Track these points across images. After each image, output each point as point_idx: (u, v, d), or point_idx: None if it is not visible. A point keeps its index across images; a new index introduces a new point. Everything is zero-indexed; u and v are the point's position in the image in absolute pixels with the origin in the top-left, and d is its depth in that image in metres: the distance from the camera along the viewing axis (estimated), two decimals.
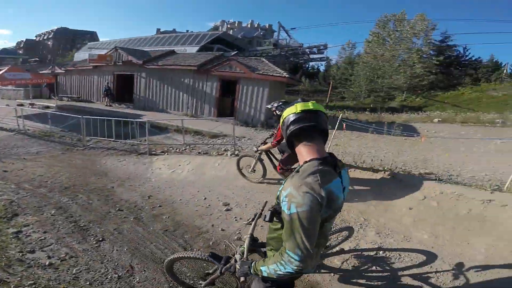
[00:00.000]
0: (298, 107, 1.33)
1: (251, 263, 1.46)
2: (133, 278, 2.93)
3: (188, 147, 8.25)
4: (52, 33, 62.72)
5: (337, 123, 6.32)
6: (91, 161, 7.12)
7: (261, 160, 5.23)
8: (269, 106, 4.69)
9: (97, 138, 8.75)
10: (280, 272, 1.25)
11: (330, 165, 1.28)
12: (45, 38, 64.34)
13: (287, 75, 11.35)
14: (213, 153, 7.61)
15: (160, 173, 6.32)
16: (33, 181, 5.63)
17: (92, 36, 62.77)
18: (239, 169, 5.59)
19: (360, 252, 3.34)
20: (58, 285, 2.83)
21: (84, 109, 13.14)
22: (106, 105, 15.97)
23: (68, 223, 4.03)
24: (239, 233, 3.81)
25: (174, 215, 4.37)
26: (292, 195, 1.16)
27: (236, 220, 4.18)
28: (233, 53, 16.34)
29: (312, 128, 1.31)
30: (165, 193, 5.24)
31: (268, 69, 11.69)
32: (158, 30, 40.00)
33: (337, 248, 3.28)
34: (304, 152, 1.33)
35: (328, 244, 2.95)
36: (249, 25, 40.34)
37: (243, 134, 9.84)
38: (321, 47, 31.58)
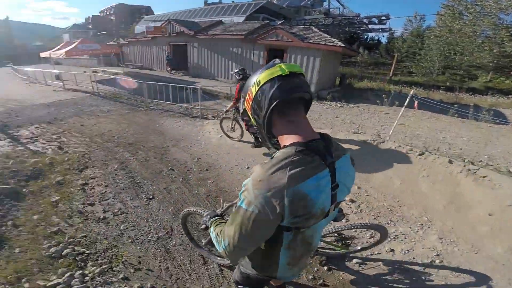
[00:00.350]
0: (284, 67, 0.97)
1: (213, 218, 1.36)
2: (170, 241, 3.17)
3: None
4: (112, 8, 68.04)
5: (407, 100, 5.37)
6: (152, 121, 7.95)
7: (236, 120, 6.07)
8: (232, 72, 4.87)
9: (157, 100, 9.71)
10: (214, 242, 1.14)
11: (316, 152, 0.94)
12: (107, 13, 70.10)
13: (342, 45, 10.57)
14: None
15: (210, 137, 6.70)
16: (103, 135, 6.60)
17: (147, 10, 66.80)
18: (223, 130, 6.49)
19: (411, 258, 2.88)
20: (105, 239, 3.17)
21: (146, 75, 14.41)
22: (170, 73, 17.04)
23: (127, 178, 4.54)
24: None
25: (218, 181, 4.57)
26: (247, 189, 0.94)
27: None
28: (279, 22, 15.75)
29: (300, 97, 1.01)
30: (212, 157, 5.56)
31: (320, 38, 11.07)
32: (205, 1, 40.58)
33: (368, 253, 2.88)
34: (286, 132, 1.01)
35: (349, 246, 2.69)
36: None
37: None
38: (383, 18, 28.20)
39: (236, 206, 0.99)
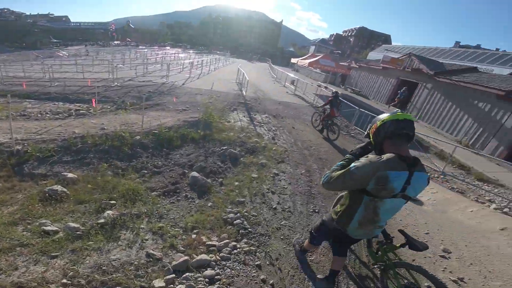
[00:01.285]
0: (400, 114, 1.81)
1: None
2: (311, 255, 3.18)
3: (443, 176, 7.03)
4: (355, 31, 72.87)
5: None
6: (346, 146, 8.18)
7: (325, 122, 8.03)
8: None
9: (360, 130, 9.80)
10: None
11: (404, 161, 1.72)
12: (348, 34, 76.31)
13: None
14: (470, 196, 5.99)
15: None
16: (304, 142, 7.54)
17: (386, 38, 66.12)
18: (311, 121, 8.62)
19: None
20: (266, 226, 3.57)
21: (360, 103, 14.81)
22: (389, 107, 15.86)
23: (306, 185, 4.97)
24: None
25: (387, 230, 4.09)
26: (361, 161, 1.79)
27: (443, 270, 3.25)
28: None
29: (405, 134, 1.80)
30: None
31: None
32: (457, 43, 33.91)
33: None
34: (391, 149, 1.79)
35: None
36: None
37: None
38: None
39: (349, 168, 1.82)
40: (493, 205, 5.49)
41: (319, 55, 22.09)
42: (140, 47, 49.39)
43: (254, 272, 2.89)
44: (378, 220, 1.99)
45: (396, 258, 2.59)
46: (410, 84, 15.64)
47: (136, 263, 2.73)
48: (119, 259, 2.75)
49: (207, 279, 2.68)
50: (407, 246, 2.25)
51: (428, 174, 2.02)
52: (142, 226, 3.32)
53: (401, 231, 2.46)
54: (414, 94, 14.91)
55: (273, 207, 4.15)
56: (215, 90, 12.37)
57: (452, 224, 4.65)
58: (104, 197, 3.79)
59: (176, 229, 3.37)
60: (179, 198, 4.09)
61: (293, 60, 24.51)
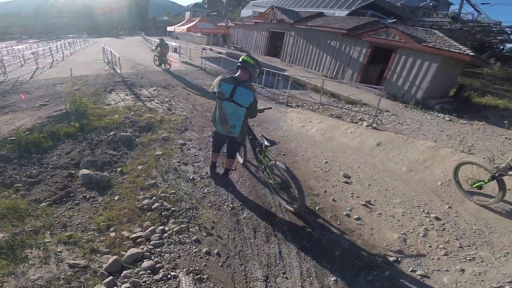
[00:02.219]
0: (242, 57, 3.16)
1: None
2: (242, 213, 3.39)
3: (322, 106, 8.38)
4: None
5: None
6: None
7: None
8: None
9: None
10: None
11: (234, 79, 3.11)
12: None
13: (471, 53, 8.75)
14: (346, 119, 7.43)
15: (291, 125, 6.81)
16: (203, 105, 7.43)
17: None
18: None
19: (479, 280, 2.74)
20: (190, 199, 3.52)
21: None
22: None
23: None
24: (350, 210, 3.64)
25: (293, 168, 4.41)
26: (214, 81, 3.25)
27: (352, 196, 3.98)
28: (390, 21, 14.06)
29: (240, 66, 3.15)
30: (291, 144, 5.64)
31: (442, 43, 9.44)
32: None
33: (436, 268, 2.83)
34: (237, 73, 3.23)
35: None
36: None
37: (387, 107, 8.89)
38: None
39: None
40: (365, 123, 6.90)
41: (195, 19, 20.98)
42: None
43: (195, 248, 2.82)
44: (227, 120, 3.24)
45: (270, 160, 3.51)
46: (278, 34, 17.13)
47: (63, 276, 2.36)
48: (42, 278, 2.34)
49: (148, 271, 2.49)
50: (266, 145, 3.35)
51: (255, 93, 3.09)
52: (47, 240, 2.76)
53: (262, 136, 3.58)
54: (284, 43, 16.51)
55: (191, 178, 4.01)
56: (80, 75, 10.20)
57: (342, 148, 5.60)
58: None
59: (89, 232, 2.92)
60: (76, 201, 3.43)
61: (170, 28, 22.47)
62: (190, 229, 3.06)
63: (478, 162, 4.07)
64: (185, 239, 2.92)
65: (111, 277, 2.40)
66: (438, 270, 2.80)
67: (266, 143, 3.33)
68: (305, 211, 3.52)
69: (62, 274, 2.41)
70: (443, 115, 8.61)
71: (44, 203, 3.34)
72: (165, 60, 12.41)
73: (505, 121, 7.64)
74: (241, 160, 4.52)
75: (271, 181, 3.55)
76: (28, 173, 3.94)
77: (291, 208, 3.45)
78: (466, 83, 17.73)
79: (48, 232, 2.90)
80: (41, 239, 2.77)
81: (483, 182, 3.83)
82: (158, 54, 12.76)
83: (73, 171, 4.00)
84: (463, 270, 2.79)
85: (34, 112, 6.09)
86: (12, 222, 2.97)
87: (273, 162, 3.42)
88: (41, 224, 2.97)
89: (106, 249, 2.73)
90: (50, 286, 2.30)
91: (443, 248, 3.08)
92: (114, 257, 2.57)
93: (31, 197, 3.46)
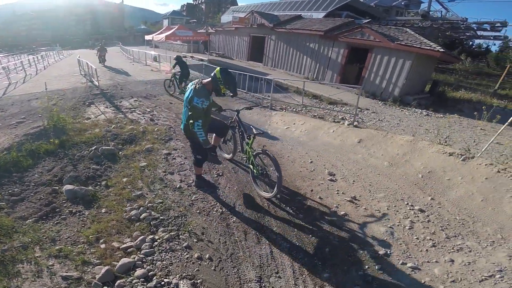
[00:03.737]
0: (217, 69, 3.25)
1: None
2: (231, 217, 3.42)
3: (304, 108, 8.55)
4: None
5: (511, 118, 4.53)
6: (226, 106, 8.36)
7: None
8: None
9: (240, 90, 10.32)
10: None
11: (198, 83, 3.22)
12: (199, 2, 76.19)
13: (441, 49, 9.24)
14: (329, 119, 7.62)
15: (276, 128, 6.91)
16: None
17: (232, 0, 70.41)
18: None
19: (469, 270, 2.83)
20: (178, 207, 3.51)
21: (226, 64, 15.41)
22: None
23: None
24: (336, 207, 3.74)
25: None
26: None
27: (337, 193, 4.08)
28: (365, 21, 14.62)
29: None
30: (277, 146, 5.72)
31: (414, 40, 9.92)
32: None
33: (426, 260, 2.91)
34: None
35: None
36: None
37: (367, 106, 9.19)
38: (497, 25, 23.38)
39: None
40: (346, 122, 7.08)
41: (174, 27, 20.85)
42: None
43: (186, 254, 2.83)
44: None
45: (255, 150, 3.83)
46: (259, 39, 17.33)
47: None
48: None
49: (142, 279, 2.50)
50: (255, 134, 3.72)
51: (197, 99, 3.08)
52: (38, 255, 2.72)
53: (251, 126, 4.02)
54: (265, 47, 16.70)
55: (177, 186, 3.99)
56: (56, 89, 9.87)
57: (325, 147, 5.74)
58: None
59: (79, 245, 2.88)
60: (63, 216, 3.36)
61: (148, 37, 22.19)
62: (180, 236, 3.06)
63: None
64: (175, 246, 2.92)
65: (105, 287, 2.39)
66: (428, 262, 2.88)
67: (255, 131, 3.72)
68: (293, 211, 3.59)
69: (56, 286, 2.40)
70: (420, 110, 9.01)
71: (30, 220, 3.26)
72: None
73: (475, 113, 8.12)
74: (228, 156, 4.82)
75: (254, 169, 3.86)
76: (10, 191, 3.79)
77: (268, 195, 3.75)
78: (440, 79, 18.64)
79: (37, 247, 2.86)
80: (31, 254, 2.73)
81: None
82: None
83: (57, 187, 3.89)
84: (452, 261, 2.87)
85: (10, 131, 5.84)
86: None
87: (259, 150, 3.80)
88: (29, 239, 2.92)
89: (98, 260, 2.70)
90: None
91: (430, 239, 3.18)
92: (106, 267, 2.56)
93: (16, 214, 3.36)
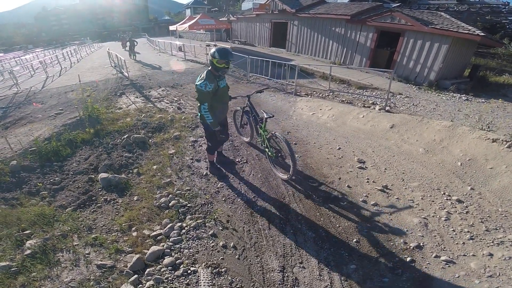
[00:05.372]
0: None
1: None
2: (255, 205, 3.40)
3: (332, 93, 8.23)
4: None
5: None
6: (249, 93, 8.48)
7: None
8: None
9: (257, 75, 10.22)
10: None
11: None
12: None
13: (481, 33, 8.36)
14: (358, 104, 7.27)
15: (301, 113, 6.73)
16: None
17: None
18: None
19: (509, 265, 2.58)
20: (204, 195, 3.57)
21: (249, 51, 15.22)
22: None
23: (228, 141, 4.83)
24: (366, 196, 3.57)
25: (305, 157, 4.56)
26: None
27: (367, 181, 3.89)
28: (395, 5, 13.51)
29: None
30: (302, 132, 5.58)
31: (450, 24, 9.07)
32: None
33: (461, 253, 2.75)
34: None
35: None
36: None
37: (400, 90, 8.62)
38: None
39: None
40: (377, 107, 6.77)
41: (196, 16, 20.87)
42: None
43: (212, 242, 2.88)
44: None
45: (268, 133, 3.89)
46: (281, 24, 16.78)
47: (92, 277, 2.48)
48: (74, 279, 2.48)
49: (170, 267, 2.58)
50: (266, 118, 3.84)
51: (199, 82, 3.11)
52: (76, 243, 2.91)
53: (262, 110, 4.05)
54: (288, 32, 16.17)
55: (204, 174, 4.06)
56: (89, 80, 10.43)
57: (355, 133, 5.50)
58: (14, 230, 3.10)
59: (113, 233, 3.04)
60: (99, 204, 3.57)
61: (172, 28, 22.42)
62: (207, 224, 3.12)
63: None
64: (202, 234, 2.98)
65: (136, 276, 2.50)
66: (464, 255, 2.70)
67: (265, 115, 3.85)
68: (320, 199, 3.51)
69: (92, 275, 2.53)
70: (459, 95, 8.29)
71: (69, 208, 3.49)
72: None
73: None
74: (246, 139, 4.97)
75: (268, 152, 3.98)
76: (51, 180, 4.12)
77: (285, 176, 3.82)
78: (480, 63, 17.03)
79: (75, 235, 3.04)
80: (70, 243, 2.91)
81: None
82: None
83: (93, 176, 4.14)
84: (491, 255, 2.67)
85: (50, 122, 6.30)
86: (42, 228, 3.12)
87: (272, 133, 3.83)
88: (69, 228, 3.11)
89: (130, 249, 2.83)
90: (82, 287, 2.41)
91: (468, 232, 2.97)
92: (137, 255, 2.67)
93: (57, 203, 3.62)
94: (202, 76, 3.15)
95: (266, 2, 17.91)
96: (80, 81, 9.36)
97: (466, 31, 8.48)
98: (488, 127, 5.03)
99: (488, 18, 25.12)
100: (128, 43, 17.00)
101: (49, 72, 13.10)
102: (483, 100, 7.88)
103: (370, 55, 11.63)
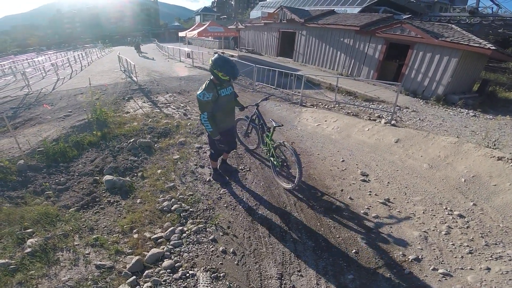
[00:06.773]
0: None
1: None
2: (257, 212, 3.43)
3: (338, 105, 8.27)
4: None
5: None
6: (256, 102, 8.57)
7: None
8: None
9: (262, 84, 10.34)
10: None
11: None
12: None
13: (492, 47, 8.33)
14: (364, 116, 7.29)
15: (306, 124, 6.76)
16: None
17: None
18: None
19: (506, 280, 2.56)
20: (206, 200, 3.61)
21: (255, 60, 15.47)
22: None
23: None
24: (367, 208, 3.57)
25: (308, 168, 4.58)
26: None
27: (370, 194, 3.90)
28: (405, 16, 13.65)
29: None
30: (306, 143, 5.61)
31: (461, 37, 9.07)
32: None
33: (459, 267, 2.74)
34: None
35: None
36: None
37: (406, 104, 8.62)
38: None
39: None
40: (383, 120, 6.74)
41: (206, 24, 21.31)
42: None
43: (212, 247, 2.90)
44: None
45: (275, 143, 3.89)
46: (289, 34, 17.02)
47: (90, 277, 2.52)
48: (72, 279, 2.52)
49: (168, 270, 2.61)
50: (275, 126, 3.74)
51: (200, 91, 3.13)
52: (76, 243, 2.96)
53: (271, 119, 4.03)
54: (295, 42, 16.39)
55: (207, 180, 4.11)
56: (99, 84, 10.67)
57: (359, 146, 5.51)
58: (17, 228, 3.17)
59: (114, 235, 3.09)
60: (102, 206, 3.64)
61: (181, 34, 22.89)
62: (207, 229, 3.15)
63: None
64: (202, 238, 3.01)
65: (134, 277, 2.52)
66: (462, 269, 2.70)
67: (274, 124, 3.76)
68: (321, 210, 3.52)
69: (90, 275, 2.57)
70: (466, 110, 8.25)
71: (73, 208, 3.56)
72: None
73: None
74: (252, 147, 5.03)
75: (274, 161, 4.01)
76: (57, 180, 4.21)
77: (288, 186, 3.85)
78: (490, 78, 16.93)
79: (77, 235, 3.10)
80: (71, 242, 2.96)
81: None
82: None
83: (98, 177, 4.23)
84: (488, 269, 2.67)
85: (58, 123, 6.45)
86: (44, 227, 3.19)
87: (280, 142, 3.82)
88: (71, 228, 3.17)
89: (130, 250, 2.87)
90: (79, 287, 2.45)
91: (467, 246, 2.97)
92: (137, 257, 2.71)
93: (61, 203, 3.70)
94: (203, 86, 3.21)
95: (275, 11, 18.23)
96: (90, 84, 9.59)
97: (477, 45, 8.45)
98: (494, 145, 5.00)
99: (500, 31, 24.99)
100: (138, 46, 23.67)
101: (60, 74, 13.45)
102: (491, 116, 7.83)
103: (378, 67, 11.69)
